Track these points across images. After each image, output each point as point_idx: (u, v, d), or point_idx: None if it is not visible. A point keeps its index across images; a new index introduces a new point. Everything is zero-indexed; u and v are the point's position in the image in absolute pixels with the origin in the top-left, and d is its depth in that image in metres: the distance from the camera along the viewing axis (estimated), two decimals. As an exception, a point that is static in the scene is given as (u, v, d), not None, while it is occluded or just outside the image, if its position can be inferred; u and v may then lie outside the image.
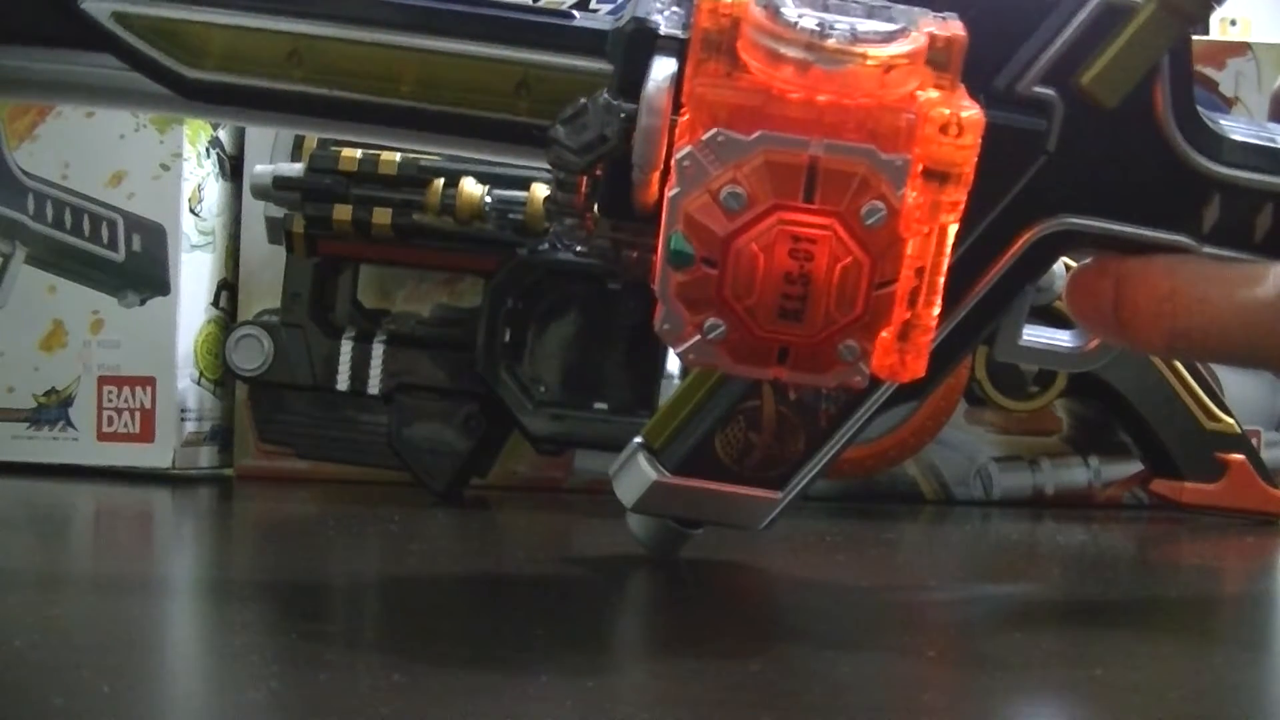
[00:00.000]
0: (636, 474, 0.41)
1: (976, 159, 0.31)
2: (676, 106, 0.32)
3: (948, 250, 0.32)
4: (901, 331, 0.33)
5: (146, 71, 0.36)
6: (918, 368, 0.33)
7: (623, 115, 0.33)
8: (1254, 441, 0.64)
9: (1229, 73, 0.67)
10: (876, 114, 0.31)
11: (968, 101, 0.32)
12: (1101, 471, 0.66)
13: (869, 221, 0.31)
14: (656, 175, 0.33)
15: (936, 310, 0.33)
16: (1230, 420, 0.62)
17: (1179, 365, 0.62)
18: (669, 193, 0.31)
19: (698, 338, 0.32)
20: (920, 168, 0.31)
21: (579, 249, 0.36)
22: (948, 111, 0.31)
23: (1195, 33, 0.38)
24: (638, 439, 0.42)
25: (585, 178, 0.34)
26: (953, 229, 0.32)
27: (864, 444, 0.62)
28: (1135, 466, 0.65)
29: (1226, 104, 0.67)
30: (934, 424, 0.63)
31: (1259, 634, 0.40)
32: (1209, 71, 0.67)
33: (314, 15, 0.36)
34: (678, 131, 0.32)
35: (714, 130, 0.31)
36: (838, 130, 0.31)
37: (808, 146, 0.31)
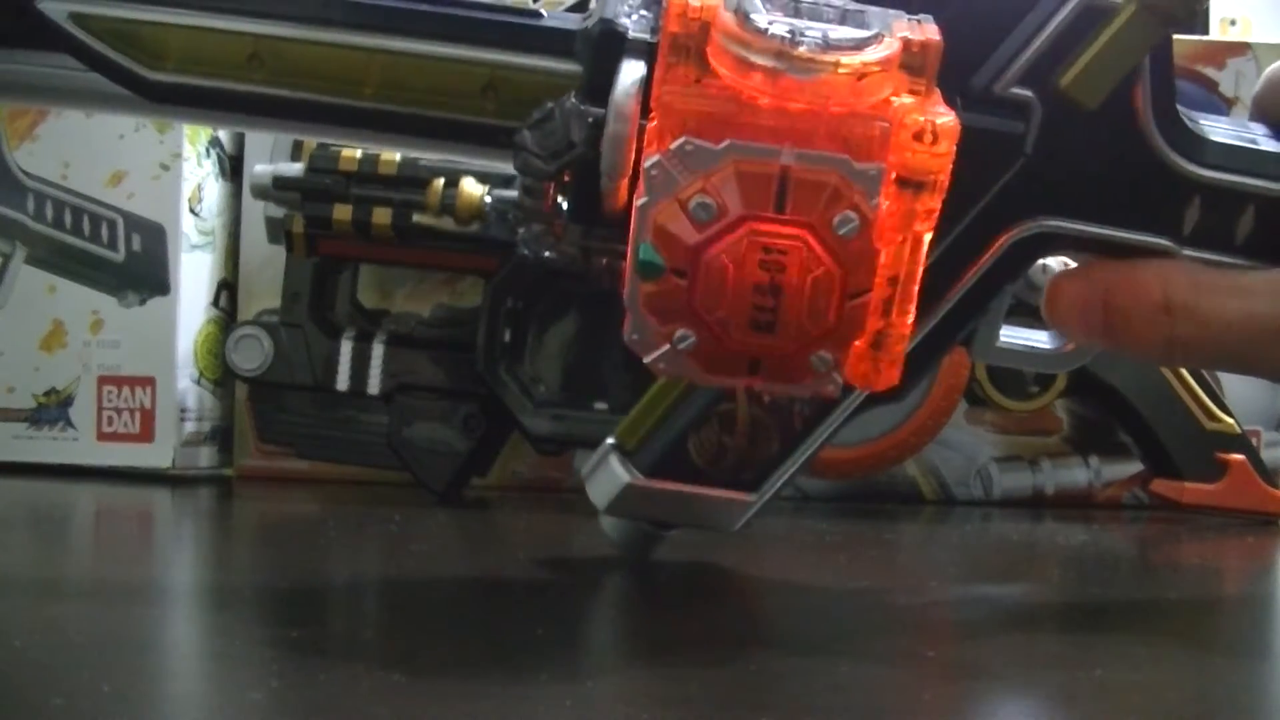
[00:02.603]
0: (609, 476, 0.40)
1: (953, 163, 0.31)
2: (645, 111, 0.32)
3: (922, 258, 0.32)
4: (875, 340, 0.32)
5: (106, 73, 0.36)
6: (891, 375, 0.33)
7: (590, 120, 0.32)
8: (1254, 441, 0.63)
9: (1229, 73, 0.67)
10: (849, 122, 0.30)
11: (943, 108, 0.31)
12: (1101, 471, 0.66)
13: (842, 232, 0.30)
14: (625, 182, 0.32)
15: (911, 318, 0.32)
16: (1230, 420, 0.62)
17: (1179, 365, 0.62)
18: (637, 201, 0.31)
19: (667, 348, 0.32)
20: (894, 176, 0.31)
21: (547, 255, 0.35)
22: (922, 119, 0.30)
23: (1181, 32, 0.38)
24: (610, 440, 0.41)
25: (553, 183, 0.34)
26: (927, 237, 0.31)
27: (864, 444, 0.62)
28: (1135, 466, 0.65)
29: (1227, 104, 0.67)
30: (934, 424, 0.63)
31: (1259, 634, 0.40)
32: (1209, 71, 0.67)
33: (275, 15, 0.36)
34: (646, 138, 0.31)
35: (683, 139, 0.30)
36: (809, 139, 0.30)
37: (779, 155, 0.30)
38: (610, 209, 0.33)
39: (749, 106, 0.30)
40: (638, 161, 0.31)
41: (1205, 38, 0.78)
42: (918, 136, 0.30)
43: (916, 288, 0.32)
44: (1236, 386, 0.64)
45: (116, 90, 0.36)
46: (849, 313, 0.31)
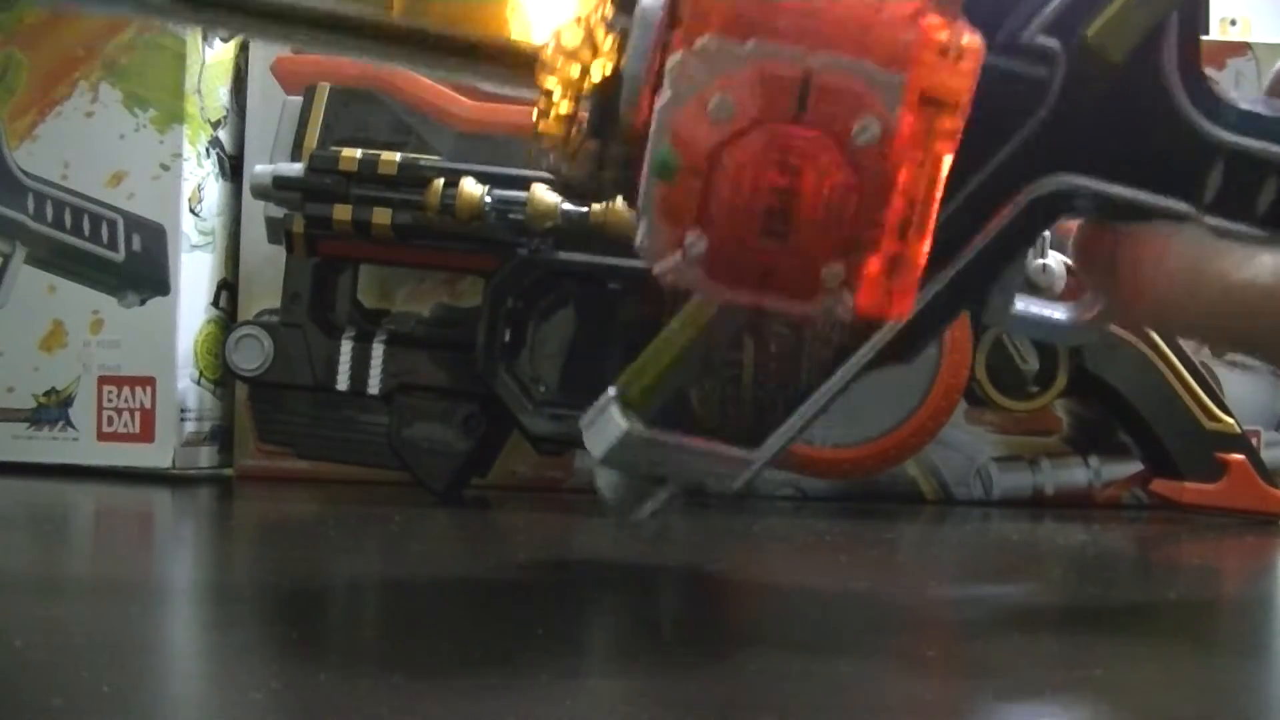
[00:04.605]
0: (608, 424, 0.39)
1: (975, 108, 0.31)
2: (672, 23, 0.32)
3: (941, 181, 0.31)
4: (890, 265, 0.32)
5: None
6: (904, 305, 0.32)
7: (617, 29, 0.33)
8: (1254, 441, 0.63)
9: (1229, 73, 0.67)
10: (875, 29, 0.30)
11: (969, 31, 0.31)
12: (1101, 471, 0.66)
13: (860, 140, 0.30)
14: (647, 91, 0.32)
15: (926, 245, 0.32)
16: (1230, 420, 0.62)
17: (1179, 364, 0.62)
18: (658, 102, 0.31)
19: (678, 256, 0.31)
20: (917, 92, 0.30)
21: (560, 171, 0.35)
22: (947, 34, 0.30)
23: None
24: (612, 389, 0.40)
25: (573, 99, 0.34)
26: (947, 160, 0.31)
27: (864, 444, 0.62)
28: (1135, 466, 0.65)
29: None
30: (934, 424, 0.63)
31: (1259, 634, 0.40)
32: (1209, 71, 0.67)
33: None
34: (671, 41, 0.31)
35: (707, 37, 0.30)
36: (834, 44, 0.30)
37: (802, 59, 0.30)
38: (629, 120, 0.33)
39: (775, 8, 0.30)
40: (660, 72, 0.31)
41: (1205, 38, 0.78)
42: (942, 52, 0.30)
43: (934, 212, 0.31)
44: (1236, 387, 0.64)
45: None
46: (863, 226, 0.31)
